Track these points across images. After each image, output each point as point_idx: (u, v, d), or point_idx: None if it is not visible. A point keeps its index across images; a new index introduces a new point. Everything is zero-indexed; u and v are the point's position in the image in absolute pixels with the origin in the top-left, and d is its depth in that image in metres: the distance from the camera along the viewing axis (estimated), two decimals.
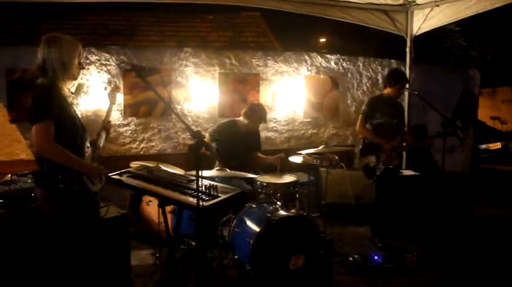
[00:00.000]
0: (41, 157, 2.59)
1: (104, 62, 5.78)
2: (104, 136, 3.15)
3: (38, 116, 2.49)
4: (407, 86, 4.83)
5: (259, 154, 4.99)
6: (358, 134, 4.77)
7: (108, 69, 5.78)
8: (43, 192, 2.66)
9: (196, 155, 2.45)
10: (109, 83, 5.72)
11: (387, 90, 4.75)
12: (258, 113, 4.72)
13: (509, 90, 17.90)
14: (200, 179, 2.48)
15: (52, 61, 2.65)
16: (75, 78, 2.83)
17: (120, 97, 5.70)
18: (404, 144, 4.87)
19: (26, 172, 3.72)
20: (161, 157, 5.63)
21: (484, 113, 12.73)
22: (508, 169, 9.45)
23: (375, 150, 4.64)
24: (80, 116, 2.91)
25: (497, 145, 10.48)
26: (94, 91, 5.67)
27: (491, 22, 9.37)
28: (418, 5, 5.57)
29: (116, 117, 5.82)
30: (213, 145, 4.63)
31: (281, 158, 4.53)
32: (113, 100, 3.34)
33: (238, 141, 4.68)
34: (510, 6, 4.87)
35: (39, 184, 2.69)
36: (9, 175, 3.58)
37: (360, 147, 4.84)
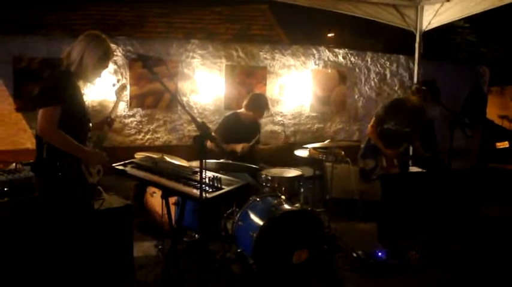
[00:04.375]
0: (40, 144, 2.59)
1: (114, 53, 5.75)
2: (106, 131, 3.17)
3: (48, 100, 2.51)
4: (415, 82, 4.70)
5: (261, 146, 4.93)
6: (368, 133, 4.61)
7: (115, 60, 5.75)
8: (40, 181, 2.66)
9: (200, 146, 2.42)
10: (115, 73, 5.70)
11: (414, 98, 4.44)
12: (259, 104, 4.67)
13: None
14: (204, 170, 2.46)
15: (82, 58, 2.68)
16: (89, 82, 2.88)
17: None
18: (411, 154, 4.75)
19: (31, 161, 3.72)
20: (166, 149, 5.63)
21: (493, 111, 12.61)
22: None
23: (376, 154, 4.51)
24: (86, 106, 2.91)
25: (505, 144, 10.37)
26: (101, 82, 5.65)
27: (501, 19, 9.27)
28: (429, 0, 5.50)
29: (121, 108, 5.81)
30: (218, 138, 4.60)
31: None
32: (120, 97, 3.39)
33: (242, 134, 4.65)
34: None
35: (36, 172, 2.70)
36: (14, 164, 3.58)
37: (363, 148, 4.71)
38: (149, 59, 2.86)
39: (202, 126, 2.45)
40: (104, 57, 2.78)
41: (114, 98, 3.42)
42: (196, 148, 2.46)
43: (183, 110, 2.75)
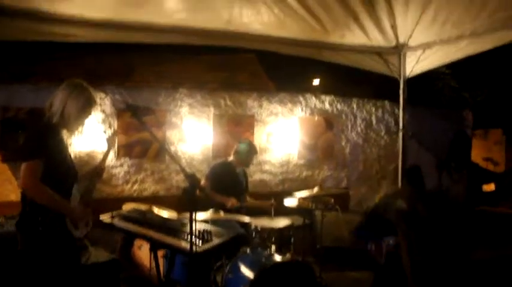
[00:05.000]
0: (24, 198, 2.55)
1: (99, 102, 5.76)
2: (95, 182, 3.12)
3: (28, 154, 2.48)
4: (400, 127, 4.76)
5: (248, 198, 4.97)
6: None
7: (103, 109, 5.75)
8: (22, 236, 2.60)
9: (191, 199, 2.39)
10: (103, 122, 5.69)
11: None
12: (247, 150, 4.72)
13: (501, 133, 18.07)
14: (194, 223, 2.42)
15: (64, 107, 2.65)
16: (73, 132, 2.85)
17: None
18: None
19: (14, 214, 3.63)
20: (154, 199, 5.54)
21: (477, 154, 12.77)
22: (504, 211, 9.37)
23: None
24: (72, 156, 2.87)
25: (491, 187, 10.46)
26: (88, 131, 5.62)
27: (481, 64, 9.54)
28: (411, 47, 5.63)
29: (109, 158, 5.75)
30: (207, 186, 4.58)
31: (272, 205, 4.47)
32: (111, 145, 3.34)
33: (231, 182, 4.65)
34: (499, 49, 4.94)
35: (18, 227, 2.62)
36: None
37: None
38: (138, 109, 2.87)
39: (192, 178, 2.42)
40: (87, 106, 2.76)
41: (104, 147, 3.38)
42: (186, 200, 2.42)
43: (173, 160, 2.72)
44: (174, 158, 2.75)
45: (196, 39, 4.89)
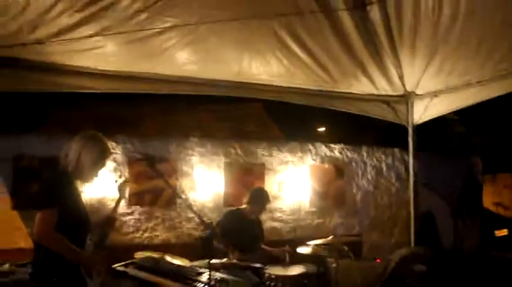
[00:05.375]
0: (38, 246, 2.56)
1: (111, 151, 5.83)
2: (108, 230, 3.12)
3: (43, 202, 2.51)
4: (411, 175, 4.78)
5: (263, 245, 4.96)
6: None
7: (115, 158, 5.83)
8: (35, 285, 2.58)
9: (208, 248, 2.40)
10: (115, 170, 5.74)
11: None
12: (259, 198, 4.75)
13: (510, 177, 17.97)
14: (210, 272, 2.42)
15: (79, 158, 2.69)
16: (87, 181, 2.87)
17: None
18: None
19: (25, 262, 3.62)
20: (165, 247, 5.50)
21: (487, 199, 12.68)
22: None
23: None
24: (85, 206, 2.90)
25: (504, 232, 10.32)
26: (99, 179, 5.66)
27: (489, 109, 9.66)
28: (418, 95, 5.70)
29: (120, 205, 5.77)
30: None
31: (286, 251, 4.45)
32: (123, 194, 3.34)
33: (244, 230, 4.64)
34: (506, 95, 5.01)
35: (33, 277, 2.61)
36: (7, 265, 3.49)
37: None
38: (153, 158, 2.92)
39: (209, 227, 2.45)
40: (101, 157, 2.81)
41: (116, 195, 3.38)
42: (203, 248, 2.43)
43: (189, 209, 2.74)
44: (191, 207, 2.78)
45: (205, 90, 4.99)
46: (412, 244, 5.88)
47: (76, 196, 2.73)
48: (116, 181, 3.46)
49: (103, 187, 5.63)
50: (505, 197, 17.39)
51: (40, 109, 9.17)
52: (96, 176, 2.89)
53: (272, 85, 5.12)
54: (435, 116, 5.94)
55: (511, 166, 15.31)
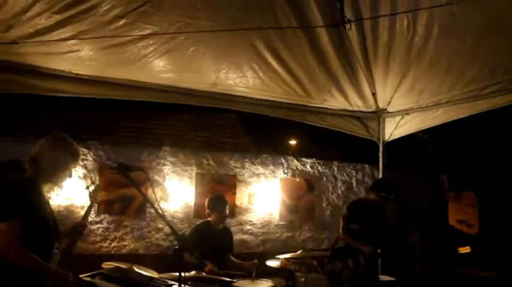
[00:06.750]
0: (1, 258, 2.38)
1: (81, 157, 5.72)
2: (76, 239, 3.02)
3: (6, 213, 2.35)
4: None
5: (232, 258, 4.96)
6: (340, 238, 4.79)
7: (85, 164, 5.72)
8: None
9: (180, 260, 2.37)
10: (85, 177, 5.63)
11: (369, 195, 4.85)
12: (216, 203, 4.83)
13: (473, 195, 18.48)
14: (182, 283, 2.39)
15: (47, 162, 2.58)
16: (56, 186, 2.77)
17: None
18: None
19: None
20: (133, 257, 5.41)
21: (451, 216, 13.00)
22: (482, 274, 9.44)
23: (342, 257, 4.61)
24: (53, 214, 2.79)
25: (467, 249, 10.54)
26: (68, 186, 5.54)
27: (456, 130, 9.95)
28: (390, 113, 5.83)
29: (90, 212, 5.65)
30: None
31: (255, 265, 4.45)
32: (93, 200, 3.26)
33: (211, 242, 4.64)
34: (472, 116, 5.18)
35: None
36: None
37: (329, 252, 4.82)
38: (126, 167, 2.85)
39: (181, 239, 2.42)
40: (70, 160, 2.70)
41: (86, 202, 3.28)
42: (174, 261, 2.41)
43: (162, 220, 2.70)
44: (164, 217, 2.74)
45: (181, 99, 5.00)
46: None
47: (42, 204, 2.58)
48: (88, 187, 3.36)
49: (71, 192, 5.53)
50: (469, 215, 17.88)
51: (7, 112, 8.95)
52: (64, 180, 2.78)
53: (247, 97, 5.16)
54: (406, 133, 6.08)
55: (474, 185, 15.76)
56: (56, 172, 2.64)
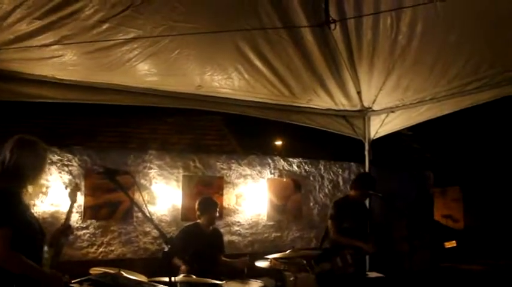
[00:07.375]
0: None
1: (66, 163, 5.66)
2: (63, 242, 3.02)
3: None
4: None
5: (223, 258, 4.95)
6: (335, 239, 4.82)
7: (70, 170, 5.65)
8: None
9: (169, 263, 2.36)
10: (70, 183, 5.56)
11: (352, 193, 4.90)
12: (205, 206, 4.84)
13: (458, 190, 18.70)
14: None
15: (23, 165, 2.55)
16: (36, 185, 2.74)
17: (80, 199, 5.52)
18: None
19: None
20: (120, 262, 5.37)
21: (436, 211, 13.16)
22: (468, 268, 9.58)
23: (330, 257, 4.64)
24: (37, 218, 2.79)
25: (453, 243, 10.68)
26: (53, 192, 5.47)
27: (441, 126, 10.04)
28: (375, 111, 5.87)
29: (74, 219, 5.59)
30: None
31: (246, 262, 4.47)
32: (73, 199, 3.22)
33: (202, 244, 4.63)
34: (457, 113, 5.24)
35: None
36: None
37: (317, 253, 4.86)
38: (112, 171, 2.83)
39: (170, 242, 2.41)
40: (41, 161, 2.67)
41: (68, 203, 3.24)
42: (163, 264, 2.39)
43: (151, 223, 2.68)
44: (152, 221, 2.72)
45: (167, 102, 4.98)
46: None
47: (24, 209, 2.57)
48: (66, 188, 3.34)
49: (56, 199, 5.45)
50: (454, 210, 18.11)
51: None
52: (38, 182, 2.74)
53: (233, 99, 5.15)
54: (391, 131, 6.13)
55: (460, 180, 15.96)
56: (37, 173, 2.61)
